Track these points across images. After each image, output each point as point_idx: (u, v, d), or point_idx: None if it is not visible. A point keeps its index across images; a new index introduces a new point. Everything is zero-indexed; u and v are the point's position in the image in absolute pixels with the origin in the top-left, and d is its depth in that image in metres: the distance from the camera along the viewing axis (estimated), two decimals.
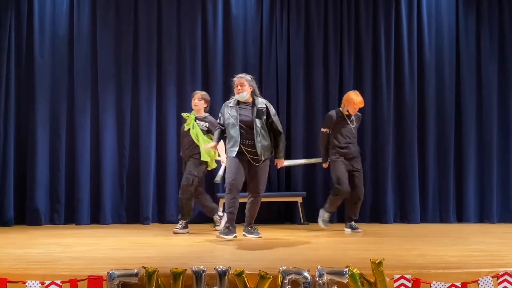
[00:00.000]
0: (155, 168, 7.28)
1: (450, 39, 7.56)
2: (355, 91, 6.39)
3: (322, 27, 7.50)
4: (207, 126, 6.12)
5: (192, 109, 6.23)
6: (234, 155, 5.45)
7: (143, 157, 7.23)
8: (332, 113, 6.32)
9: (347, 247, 5.05)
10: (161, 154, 7.30)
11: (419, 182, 7.39)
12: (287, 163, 6.72)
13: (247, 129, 5.47)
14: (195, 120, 6.13)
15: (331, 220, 7.26)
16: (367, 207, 7.36)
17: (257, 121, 5.47)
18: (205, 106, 6.24)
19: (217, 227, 6.24)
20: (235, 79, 5.61)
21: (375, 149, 7.46)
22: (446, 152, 7.46)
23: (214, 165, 6.23)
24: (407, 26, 7.52)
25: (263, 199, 7.08)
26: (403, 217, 7.40)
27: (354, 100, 6.18)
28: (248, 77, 5.61)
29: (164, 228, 6.68)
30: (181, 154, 6.40)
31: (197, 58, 7.41)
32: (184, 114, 6.26)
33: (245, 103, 5.58)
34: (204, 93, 6.32)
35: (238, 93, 5.54)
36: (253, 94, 5.58)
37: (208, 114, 6.27)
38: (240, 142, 5.44)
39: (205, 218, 7.22)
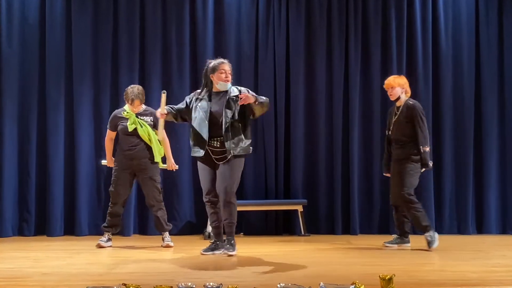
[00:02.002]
0: None
1: (469, 28, 7.56)
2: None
3: (325, 14, 7.51)
4: (152, 120, 6.02)
5: (125, 105, 6.09)
6: (199, 156, 5.28)
7: None
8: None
9: (353, 262, 5.07)
10: None
11: (434, 189, 7.39)
12: None
13: (216, 124, 5.23)
14: (137, 117, 6.00)
15: (333, 231, 7.30)
16: (375, 217, 7.40)
17: (228, 112, 5.22)
18: None
19: None
20: (224, 64, 5.33)
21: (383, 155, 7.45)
22: (465, 156, 7.46)
23: (162, 165, 6.15)
24: (421, 13, 7.52)
25: (259, 208, 7.17)
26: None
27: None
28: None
29: (146, 240, 6.68)
30: (116, 159, 6.12)
31: (184, 50, 7.40)
32: (125, 113, 6.04)
33: (217, 93, 5.35)
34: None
35: (227, 81, 5.31)
36: None
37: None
38: (207, 141, 5.21)
39: (193, 229, 7.24)
